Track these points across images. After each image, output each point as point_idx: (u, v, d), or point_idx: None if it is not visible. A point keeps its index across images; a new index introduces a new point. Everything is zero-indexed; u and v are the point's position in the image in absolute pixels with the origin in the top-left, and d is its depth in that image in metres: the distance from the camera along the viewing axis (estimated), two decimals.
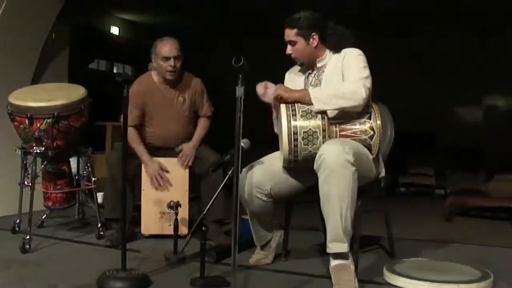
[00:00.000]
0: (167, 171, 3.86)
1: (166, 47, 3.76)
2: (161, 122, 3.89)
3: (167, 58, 3.75)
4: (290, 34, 3.02)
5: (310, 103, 2.79)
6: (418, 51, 8.73)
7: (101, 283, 2.70)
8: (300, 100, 2.82)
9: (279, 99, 2.87)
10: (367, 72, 2.89)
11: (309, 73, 3.12)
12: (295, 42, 3.02)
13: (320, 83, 3.02)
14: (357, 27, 3.08)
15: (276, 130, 3.11)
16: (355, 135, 2.86)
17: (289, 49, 3.06)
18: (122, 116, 2.83)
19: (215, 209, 3.60)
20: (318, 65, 3.07)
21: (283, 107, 2.81)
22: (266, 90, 2.99)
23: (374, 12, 7.61)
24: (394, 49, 8.60)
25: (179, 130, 3.93)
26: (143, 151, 3.82)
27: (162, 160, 3.86)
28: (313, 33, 2.99)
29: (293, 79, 3.18)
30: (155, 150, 3.91)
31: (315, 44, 3.01)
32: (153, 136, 3.93)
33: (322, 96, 2.79)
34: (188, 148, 3.88)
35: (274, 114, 3.10)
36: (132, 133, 3.74)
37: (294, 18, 3.02)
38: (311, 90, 2.87)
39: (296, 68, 3.21)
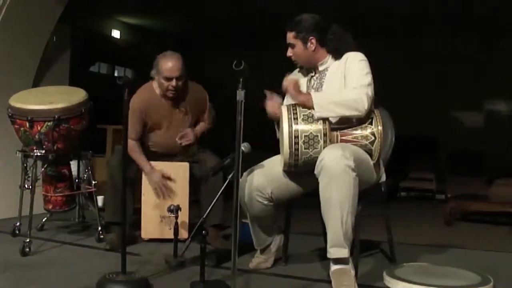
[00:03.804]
0: (169, 179, 3.83)
1: (168, 66, 3.66)
2: (163, 131, 3.88)
3: (169, 79, 3.69)
4: (289, 36, 3.02)
5: (312, 108, 2.79)
6: (419, 55, 8.73)
7: (101, 286, 2.69)
8: (303, 104, 2.82)
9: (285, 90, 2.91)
10: (369, 79, 2.87)
11: (312, 76, 3.11)
12: (294, 45, 3.02)
13: (322, 87, 3.01)
14: (358, 28, 3.08)
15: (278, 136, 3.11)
16: (356, 140, 2.85)
17: (289, 52, 3.06)
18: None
19: (214, 214, 3.60)
20: (320, 68, 3.06)
21: (284, 110, 2.82)
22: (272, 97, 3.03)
23: (376, 13, 7.60)
24: (395, 53, 8.59)
25: None
26: (145, 162, 3.79)
27: (163, 165, 3.85)
28: (311, 37, 2.98)
29: None
30: (158, 157, 3.90)
31: (313, 48, 3.00)
32: (156, 144, 3.93)
33: (324, 103, 2.78)
34: (189, 130, 3.88)
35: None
36: (132, 145, 3.68)
37: (294, 21, 3.02)
38: (313, 94, 2.86)
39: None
